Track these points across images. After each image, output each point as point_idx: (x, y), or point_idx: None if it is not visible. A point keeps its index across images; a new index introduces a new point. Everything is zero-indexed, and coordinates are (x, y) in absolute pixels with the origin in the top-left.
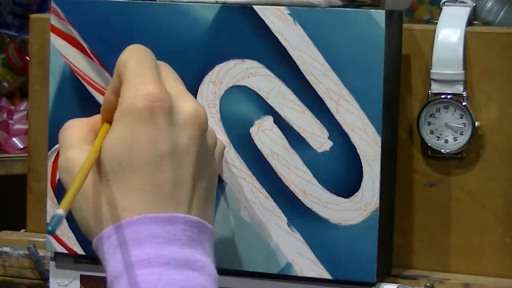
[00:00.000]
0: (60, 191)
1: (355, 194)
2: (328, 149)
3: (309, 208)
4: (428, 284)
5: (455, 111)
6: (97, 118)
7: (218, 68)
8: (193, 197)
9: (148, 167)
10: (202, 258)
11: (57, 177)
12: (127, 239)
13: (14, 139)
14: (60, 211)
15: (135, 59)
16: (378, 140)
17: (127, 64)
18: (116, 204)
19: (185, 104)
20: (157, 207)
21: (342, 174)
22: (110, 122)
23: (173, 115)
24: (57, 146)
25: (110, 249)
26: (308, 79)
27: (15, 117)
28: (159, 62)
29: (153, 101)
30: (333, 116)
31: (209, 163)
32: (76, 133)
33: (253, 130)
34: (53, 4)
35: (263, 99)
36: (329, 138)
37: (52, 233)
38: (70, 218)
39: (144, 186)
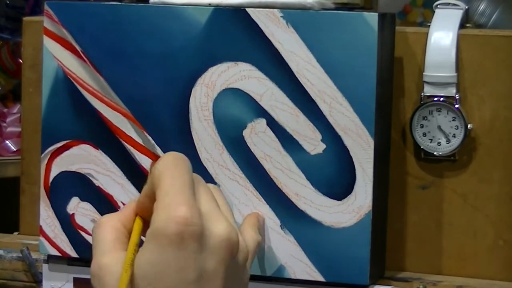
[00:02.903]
0: (53, 193)
1: (348, 196)
2: (321, 151)
3: (302, 211)
4: (420, 287)
5: (447, 113)
6: (129, 213)
7: (211, 70)
8: None
9: None
10: None
11: (50, 181)
12: None
13: (7, 142)
14: None
15: (171, 173)
16: (371, 142)
17: (162, 178)
18: None
19: (216, 227)
20: None
21: (335, 177)
22: (142, 217)
23: (204, 240)
24: (50, 148)
25: None
26: (301, 81)
27: (8, 119)
28: (194, 175)
29: (185, 226)
30: (326, 118)
31: (238, 281)
32: (109, 234)
33: (246, 133)
34: (46, 7)
35: (256, 101)
36: (322, 140)
37: None
38: (64, 220)
39: None
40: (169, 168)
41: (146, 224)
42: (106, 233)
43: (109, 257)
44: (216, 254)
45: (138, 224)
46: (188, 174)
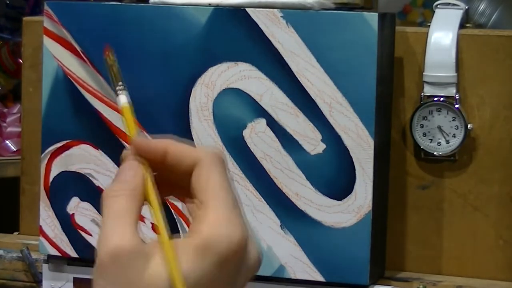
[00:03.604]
0: (53, 193)
1: (348, 196)
2: (321, 151)
3: (302, 211)
4: (420, 287)
5: (447, 113)
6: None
7: (211, 70)
8: None
9: None
10: None
11: (50, 181)
12: None
13: (7, 142)
14: None
15: (218, 182)
16: (371, 142)
17: (212, 184)
18: None
19: (252, 251)
20: None
21: (335, 177)
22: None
23: (242, 265)
24: (50, 148)
25: None
26: (301, 81)
27: (8, 119)
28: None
29: (237, 252)
30: (326, 118)
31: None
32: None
33: (246, 133)
34: (46, 7)
35: (256, 101)
36: (322, 140)
37: None
38: (64, 220)
39: None
40: (214, 174)
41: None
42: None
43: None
44: (247, 275)
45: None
46: (232, 183)
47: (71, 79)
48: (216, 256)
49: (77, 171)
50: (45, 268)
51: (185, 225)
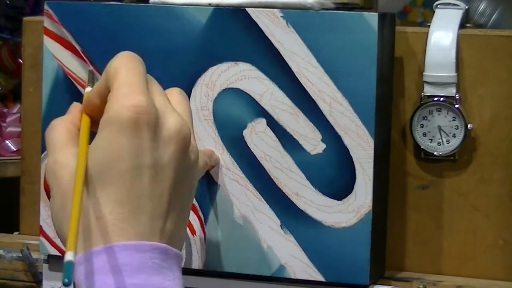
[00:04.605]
0: None
1: (348, 196)
2: (321, 151)
3: (302, 211)
4: (420, 286)
5: (448, 113)
6: (78, 113)
7: (211, 70)
8: (168, 215)
9: (126, 179)
10: (171, 285)
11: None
12: (96, 267)
13: (7, 141)
14: (69, 256)
15: (126, 68)
16: (371, 142)
17: (118, 72)
18: (98, 217)
19: (170, 119)
20: (129, 230)
21: (335, 177)
22: (90, 115)
23: (158, 130)
24: None
25: (81, 276)
26: (301, 81)
27: (8, 119)
28: (147, 75)
29: (139, 114)
30: (326, 118)
31: (188, 180)
32: (62, 133)
33: (246, 133)
34: (46, 7)
35: (256, 101)
36: (322, 140)
37: (69, 284)
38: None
39: (122, 198)
40: (125, 64)
41: (94, 123)
42: (59, 133)
43: (64, 152)
44: (169, 145)
45: (85, 120)
46: (143, 70)
47: (71, 79)
48: (119, 125)
49: None
50: (45, 268)
51: None
